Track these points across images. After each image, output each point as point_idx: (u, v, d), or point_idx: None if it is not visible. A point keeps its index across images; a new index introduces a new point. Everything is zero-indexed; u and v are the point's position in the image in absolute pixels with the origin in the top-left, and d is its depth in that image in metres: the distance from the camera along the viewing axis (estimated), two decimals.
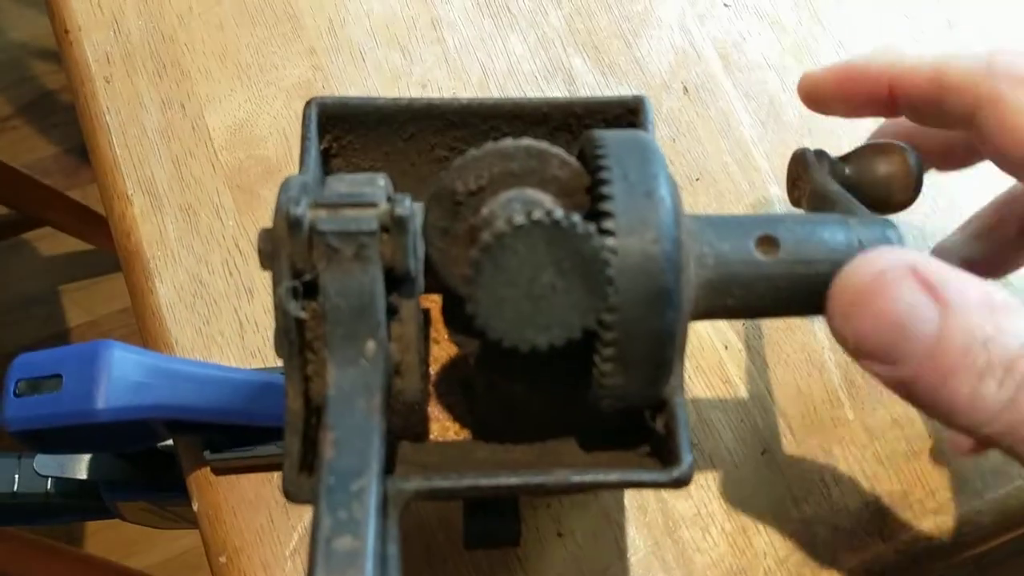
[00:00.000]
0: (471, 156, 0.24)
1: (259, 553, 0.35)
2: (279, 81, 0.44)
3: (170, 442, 0.41)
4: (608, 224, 0.23)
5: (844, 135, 0.44)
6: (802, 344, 0.39)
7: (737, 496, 0.37)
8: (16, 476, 0.42)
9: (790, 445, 0.37)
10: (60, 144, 1.45)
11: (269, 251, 0.23)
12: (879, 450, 0.37)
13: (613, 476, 0.24)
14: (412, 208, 0.23)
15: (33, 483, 0.42)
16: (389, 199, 0.23)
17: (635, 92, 0.30)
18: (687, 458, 0.24)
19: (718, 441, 0.37)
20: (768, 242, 0.25)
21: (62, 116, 1.46)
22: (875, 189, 0.29)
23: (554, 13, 0.46)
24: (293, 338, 0.24)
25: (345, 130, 0.29)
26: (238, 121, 0.43)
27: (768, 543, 0.36)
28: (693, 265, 0.24)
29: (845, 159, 0.31)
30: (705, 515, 0.36)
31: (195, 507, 0.37)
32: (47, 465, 0.40)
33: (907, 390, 0.21)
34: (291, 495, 0.24)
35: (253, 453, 0.35)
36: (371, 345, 0.23)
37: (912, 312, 0.20)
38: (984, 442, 0.21)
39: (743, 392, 0.38)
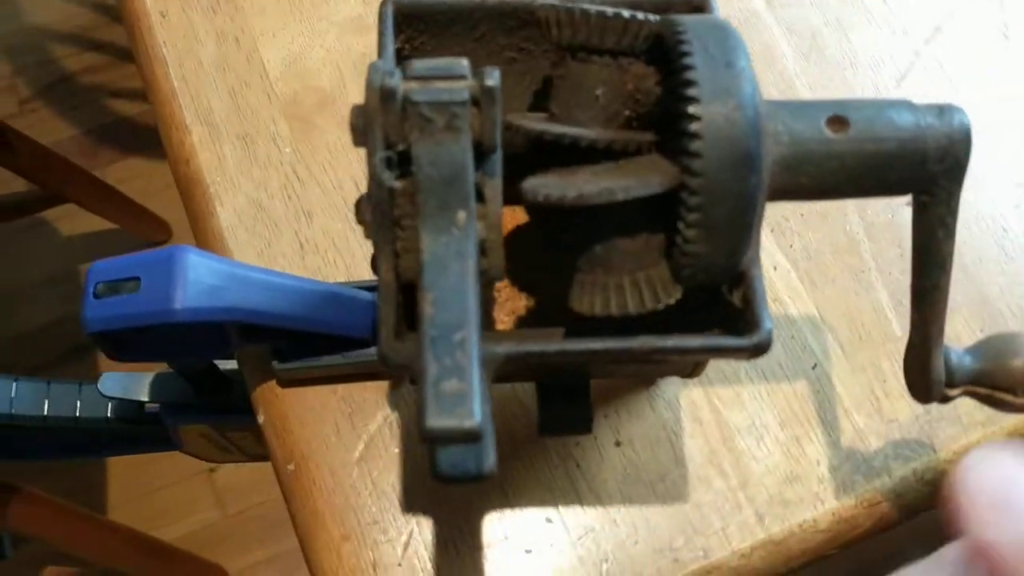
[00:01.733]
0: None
1: (326, 460, 0.36)
2: (331, 16, 0.45)
3: (233, 365, 0.42)
4: (691, 91, 0.23)
5: (887, 64, 0.45)
6: (849, 264, 0.40)
7: (789, 408, 0.37)
8: (78, 402, 0.43)
9: (840, 360, 0.38)
10: (79, 126, 1.46)
11: (362, 125, 0.24)
12: None
13: (695, 342, 0.25)
14: (500, 80, 0.24)
15: (95, 408, 0.43)
16: (475, 74, 0.24)
17: None
18: (767, 324, 0.25)
19: (769, 357, 0.38)
20: (839, 121, 0.26)
21: (81, 99, 1.47)
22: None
23: None
24: (386, 209, 0.24)
25: (419, 30, 0.30)
26: (292, 54, 0.44)
27: (821, 452, 0.37)
28: (770, 140, 0.25)
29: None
30: (759, 425, 0.37)
31: (260, 419, 0.38)
32: (111, 387, 0.41)
33: None
34: (388, 359, 0.24)
35: (320, 363, 0.36)
36: (462, 215, 0.24)
37: None
38: None
39: (792, 311, 0.39)
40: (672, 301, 0.25)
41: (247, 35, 0.44)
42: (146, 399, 0.41)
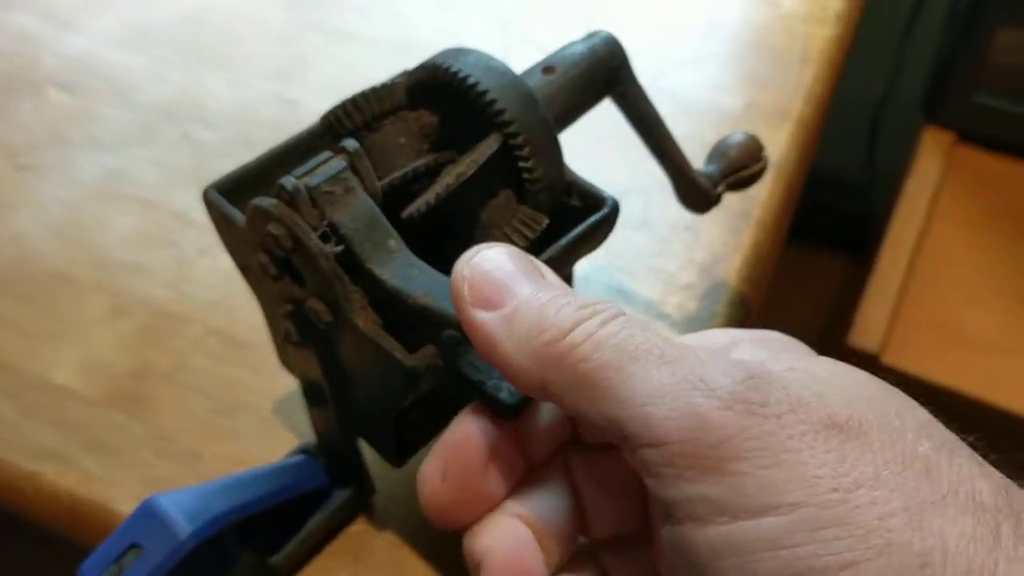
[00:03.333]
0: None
1: None
2: (84, 316, 0.48)
3: None
4: (478, 87, 0.32)
5: None
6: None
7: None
8: None
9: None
10: None
11: (285, 233, 0.30)
12: None
13: (584, 226, 0.34)
14: (359, 145, 0.31)
15: None
16: (335, 150, 0.31)
17: None
18: (608, 194, 0.34)
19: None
20: (549, 69, 0.37)
21: None
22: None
23: None
24: (340, 272, 0.30)
25: (239, 199, 0.35)
26: (80, 358, 0.46)
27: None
28: None
29: None
30: None
31: None
32: None
33: (488, 331, 0.25)
34: (416, 368, 0.30)
35: (306, 530, 0.39)
36: (392, 242, 0.31)
37: (520, 273, 0.26)
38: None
39: None
40: (545, 224, 0.34)
41: (42, 380, 0.46)
42: None
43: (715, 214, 0.51)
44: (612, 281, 0.49)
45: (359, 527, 0.41)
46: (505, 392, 0.30)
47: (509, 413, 0.30)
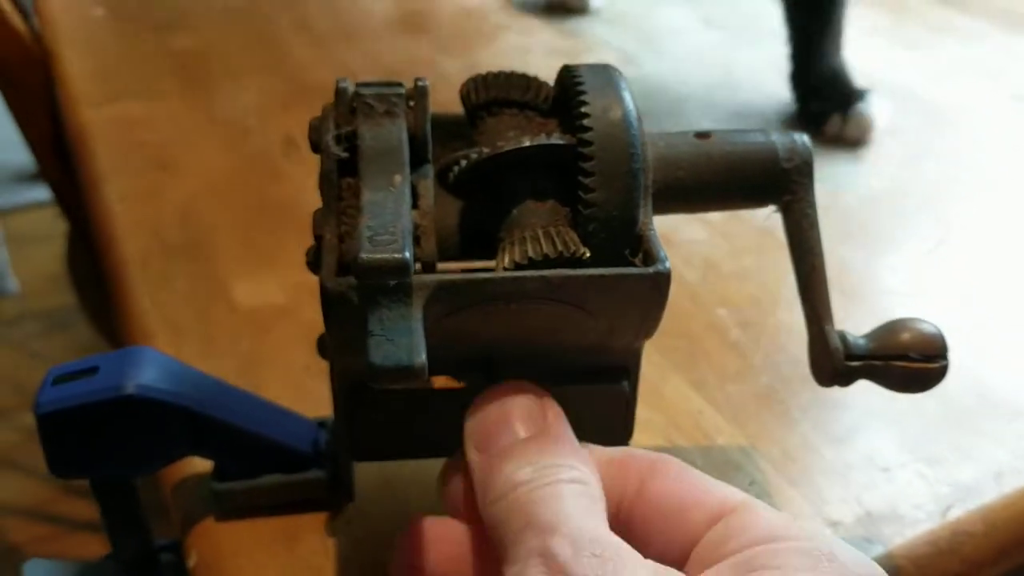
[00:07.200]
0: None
1: None
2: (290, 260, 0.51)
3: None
4: (582, 91, 0.29)
5: None
6: (770, 408, 0.43)
7: None
8: None
9: (774, 477, 0.39)
10: None
11: (316, 125, 0.30)
12: None
13: (602, 270, 0.28)
14: (428, 84, 0.30)
15: None
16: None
17: None
18: (663, 257, 0.28)
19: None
20: (704, 135, 0.32)
21: None
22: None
23: None
24: (333, 178, 0.29)
25: None
26: (256, 288, 0.50)
27: None
28: (648, 142, 0.31)
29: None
30: None
31: (192, 562, 0.36)
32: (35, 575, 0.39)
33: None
34: (329, 288, 0.27)
35: (260, 482, 0.36)
36: (397, 177, 0.29)
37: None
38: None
39: (721, 442, 0.41)
40: (580, 254, 0.29)
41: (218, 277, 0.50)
42: None
43: None
44: (804, 501, 0.39)
45: (316, 519, 0.37)
46: (381, 356, 0.25)
47: (371, 372, 0.25)
